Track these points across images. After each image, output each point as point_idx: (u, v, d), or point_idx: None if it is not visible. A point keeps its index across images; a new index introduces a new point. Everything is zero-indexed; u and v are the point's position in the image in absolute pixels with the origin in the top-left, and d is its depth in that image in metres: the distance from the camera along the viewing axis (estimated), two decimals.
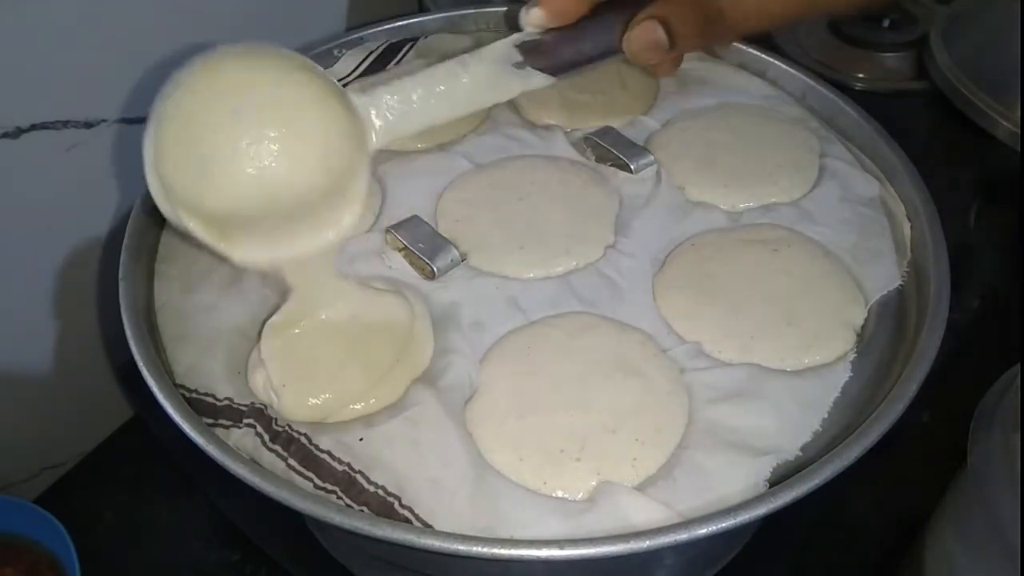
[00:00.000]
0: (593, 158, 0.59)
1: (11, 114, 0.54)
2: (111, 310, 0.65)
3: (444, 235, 0.52)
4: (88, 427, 0.67)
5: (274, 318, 0.45)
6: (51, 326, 0.63)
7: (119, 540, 0.62)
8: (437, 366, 0.46)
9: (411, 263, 0.51)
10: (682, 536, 0.39)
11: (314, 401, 0.44)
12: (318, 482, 0.42)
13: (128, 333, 0.46)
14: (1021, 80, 0.77)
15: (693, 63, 0.65)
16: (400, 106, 0.42)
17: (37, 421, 0.65)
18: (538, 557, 0.38)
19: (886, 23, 0.85)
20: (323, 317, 0.45)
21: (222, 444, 0.42)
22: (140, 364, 0.45)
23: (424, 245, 0.51)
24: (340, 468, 0.42)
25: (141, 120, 0.60)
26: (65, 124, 0.56)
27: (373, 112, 0.42)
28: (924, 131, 0.81)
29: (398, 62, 0.65)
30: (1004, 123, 0.71)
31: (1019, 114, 0.74)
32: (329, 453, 0.43)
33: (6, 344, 0.61)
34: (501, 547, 0.38)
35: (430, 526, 0.40)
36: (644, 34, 0.43)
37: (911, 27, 0.85)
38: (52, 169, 0.57)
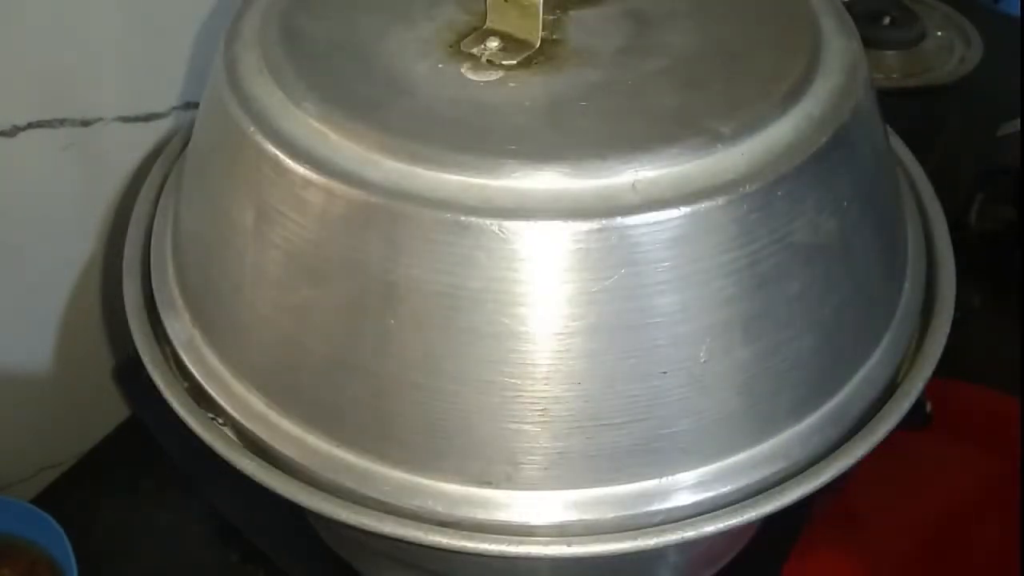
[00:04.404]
0: None
1: (8, 112, 0.53)
2: (110, 309, 0.65)
3: None
4: (86, 427, 0.67)
5: None
6: (49, 326, 0.63)
7: (117, 540, 0.62)
8: None
9: None
10: (689, 533, 0.39)
11: None
12: None
13: (133, 328, 0.46)
14: (1021, 80, 0.77)
15: None
16: None
17: (35, 421, 0.65)
18: (545, 555, 0.38)
19: (886, 21, 0.85)
20: None
21: (228, 440, 0.42)
22: (145, 360, 0.45)
23: None
24: None
25: (137, 119, 0.60)
26: (62, 122, 0.56)
27: None
28: (924, 129, 0.82)
29: None
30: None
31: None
32: None
33: (4, 344, 0.61)
34: (508, 544, 0.38)
35: None
36: None
37: (911, 25, 0.85)
38: (49, 167, 0.57)
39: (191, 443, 0.43)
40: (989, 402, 0.64)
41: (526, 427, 0.38)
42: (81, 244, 0.62)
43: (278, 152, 0.39)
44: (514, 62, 0.43)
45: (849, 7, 0.48)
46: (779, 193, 0.38)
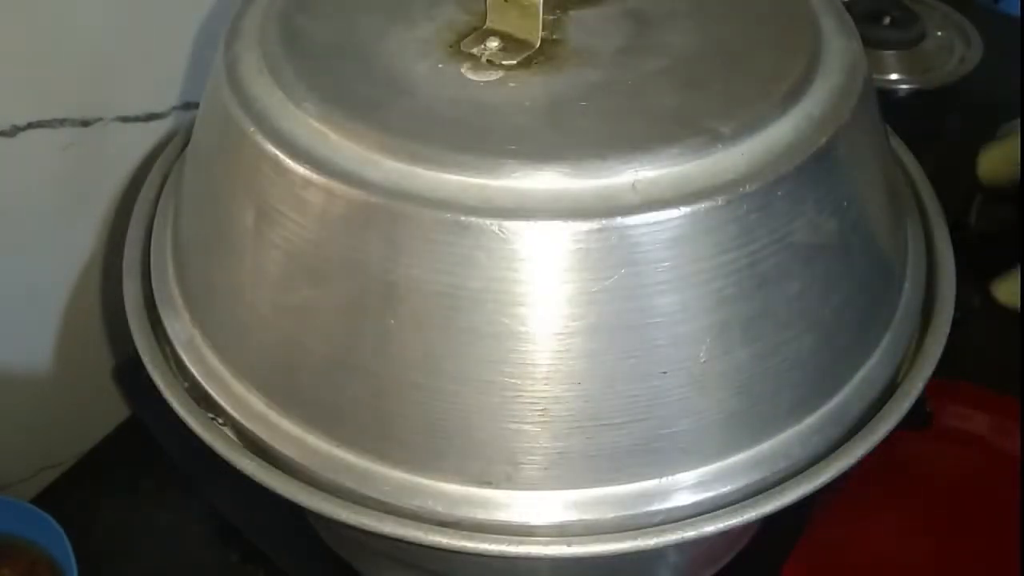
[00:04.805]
0: None
1: (8, 112, 0.53)
2: (110, 309, 0.65)
3: None
4: (86, 426, 0.67)
5: None
6: (49, 326, 0.63)
7: (117, 540, 0.62)
8: None
9: None
10: (689, 533, 0.39)
11: None
12: None
13: (133, 328, 0.46)
14: (1021, 80, 0.77)
15: None
16: None
17: (35, 420, 0.65)
18: (545, 555, 0.38)
19: (886, 21, 0.85)
20: None
21: (229, 440, 0.42)
22: (145, 360, 0.45)
23: None
24: None
25: (138, 119, 0.60)
26: (62, 123, 0.56)
27: None
28: (924, 129, 0.81)
29: None
30: None
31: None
32: None
33: (4, 344, 0.61)
34: (508, 544, 0.38)
35: None
36: None
37: (911, 25, 0.85)
38: (49, 167, 0.57)
39: (191, 443, 0.43)
40: (989, 402, 0.64)
41: (526, 427, 0.38)
42: (81, 244, 0.62)
43: (278, 152, 0.39)
44: (514, 62, 0.43)
45: (849, 7, 0.48)
46: (779, 193, 0.38)
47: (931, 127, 0.83)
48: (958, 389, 0.63)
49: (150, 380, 0.45)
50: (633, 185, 0.37)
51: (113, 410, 0.68)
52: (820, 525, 0.57)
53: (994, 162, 0.68)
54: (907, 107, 0.83)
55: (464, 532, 0.39)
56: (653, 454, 0.40)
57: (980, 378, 0.65)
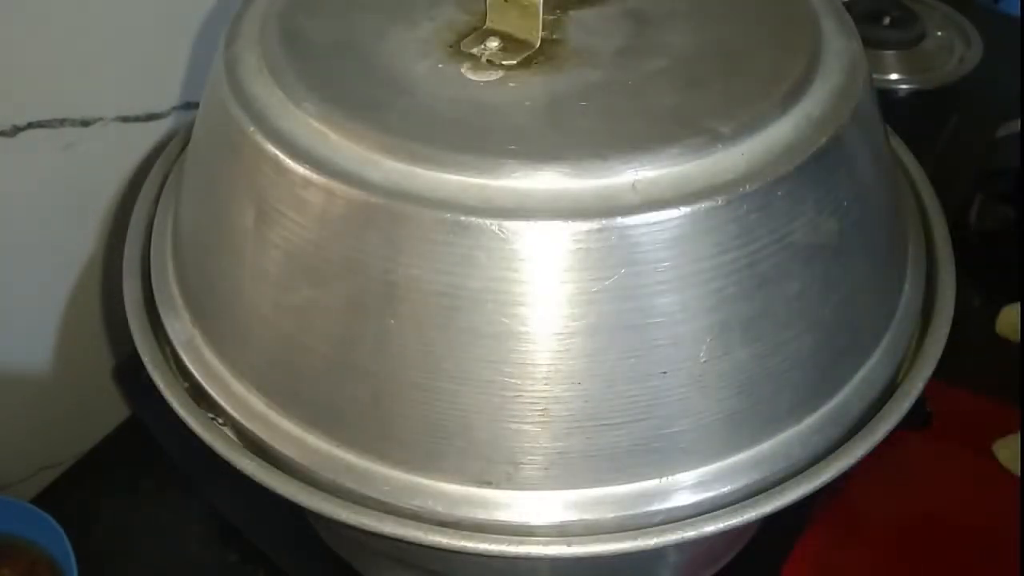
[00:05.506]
0: None
1: (8, 112, 0.53)
2: (110, 309, 0.65)
3: None
4: (86, 426, 0.67)
5: None
6: (49, 326, 0.63)
7: (117, 540, 0.62)
8: None
9: None
10: (689, 533, 0.39)
11: None
12: None
13: (133, 328, 0.46)
14: (1021, 80, 0.77)
15: None
16: None
17: (35, 420, 0.65)
18: (545, 555, 0.38)
19: (886, 21, 0.85)
20: None
21: (229, 440, 0.42)
22: (145, 360, 0.45)
23: None
24: None
25: (138, 119, 0.60)
26: (62, 123, 0.56)
27: None
28: (924, 129, 0.82)
29: None
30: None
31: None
32: None
33: (4, 344, 0.61)
34: (508, 544, 0.38)
35: None
36: None
37: (911, 25, 0.85)
38: (49, 167, 0.57)
39: (191, 443, 0.43)
40: (988, 406, 0.64)
41: (526, 427, 0.38)
42: (81, 244, 0.62)
43: (278, 152, 0.39)
44: (514, 62, 0.43)
45: (849, 7, 0.48)
46: (779, 193, 0.38)
47: (931, 127, 0.83)
48: (957, 393, 0.63)
49: (150, 380, 0.45)
50: (633, 185, 0.37)
51: (113, 410, 0.68)
52: (820, 525, 0.57)
53: (1012, 322, 0.71)
54: (907, 107, 0.83)
55: (464, 532, 0.39)
56: (653, 454, 0.40)
57: (979, 379, 0.65)
